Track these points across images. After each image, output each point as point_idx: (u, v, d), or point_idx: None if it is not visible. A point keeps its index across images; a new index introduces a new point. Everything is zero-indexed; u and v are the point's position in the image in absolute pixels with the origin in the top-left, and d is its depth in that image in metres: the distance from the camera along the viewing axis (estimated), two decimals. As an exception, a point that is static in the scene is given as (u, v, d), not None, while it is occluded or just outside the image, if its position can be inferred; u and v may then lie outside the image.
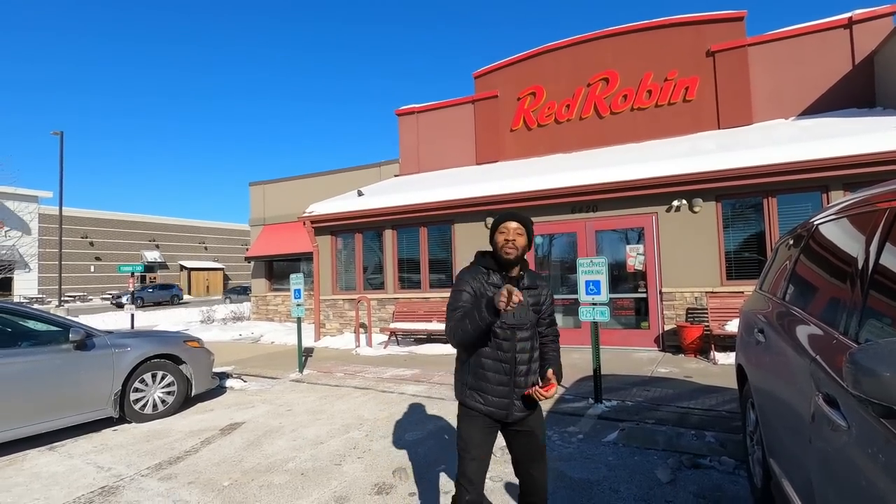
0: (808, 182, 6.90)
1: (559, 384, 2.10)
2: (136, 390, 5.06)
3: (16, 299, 30.44)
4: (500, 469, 3.42)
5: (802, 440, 1.70)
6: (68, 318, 5.50)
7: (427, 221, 9.89)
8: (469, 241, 9.30)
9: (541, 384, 2.02)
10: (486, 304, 1.83)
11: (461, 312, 1.97)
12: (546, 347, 2.20)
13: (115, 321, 17.45)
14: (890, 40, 8.26)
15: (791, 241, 2.83)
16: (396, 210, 9.79)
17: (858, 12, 9.00)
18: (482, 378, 2.05)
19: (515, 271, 2.09)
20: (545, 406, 4.91)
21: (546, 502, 2.15)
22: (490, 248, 2.14)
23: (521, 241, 2.04)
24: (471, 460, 2.04)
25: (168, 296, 34.79)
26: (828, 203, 6.62)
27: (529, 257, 8.81)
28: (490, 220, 9.07)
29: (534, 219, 8.79)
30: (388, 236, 10.34)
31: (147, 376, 5.15)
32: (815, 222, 2.37)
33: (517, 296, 1.71)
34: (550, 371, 2.03)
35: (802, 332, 1.99)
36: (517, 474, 2.19)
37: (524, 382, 2.04)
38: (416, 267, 10.09)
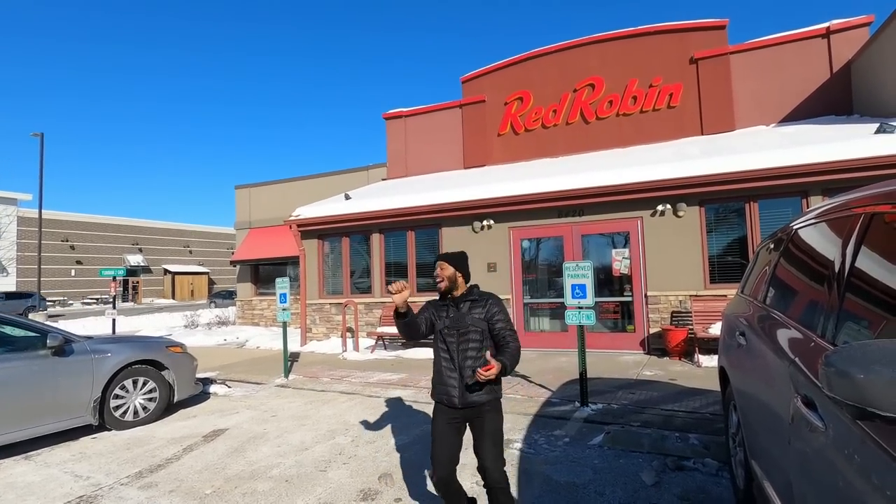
0: (788, 187, 7.03)
1: (508, 373, 2.39)
2: (117, 397, 4.96)
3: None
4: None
5: (782, 442, 1.72)
6: (46, 323, 5.38)
7: (414, 225, 9.88)
8: (456, 245, 9.30)
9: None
10: (395, 311, 2.52)
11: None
12: (501, 346, 2.52)
13: (95, 326, 17.09)
14: (867, 49, 8.48)
15: (771, 245, 2.88)
16: (384, 214, 9.76)
17: (836, 22, 9.23)
18: (439, 373, 2.55)
19: (459, 293, 2.60)
20: (530, 409, 4.92)
21: (500, 484, 2.39)
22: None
23: (447, 272, 2.56)
24: (436, 444, 2.47)
25: (22, 307, 25.65)
26: (807, 208, 6.77)
27: (516, 261, 8.90)
28: (477, 224, 9.12)
29: (521, 223, 8.73)
30: (376, 240, 10.30)
31: (128, 382, 5.05)
32: (795, 227, 2.41)
33: (395, 286, 2.43)
34: (489, 352, 2.40)
35: (782, 335, 2.02)
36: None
37: (469, 374, 2.43)
38: (404, 271, 10.06)
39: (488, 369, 2.24)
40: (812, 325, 1.72)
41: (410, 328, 2.54)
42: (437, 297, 2.69)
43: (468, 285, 2.64)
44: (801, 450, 1.52)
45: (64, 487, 3.57)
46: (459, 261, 2.64)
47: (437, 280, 2.59)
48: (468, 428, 2.52)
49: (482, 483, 2.46)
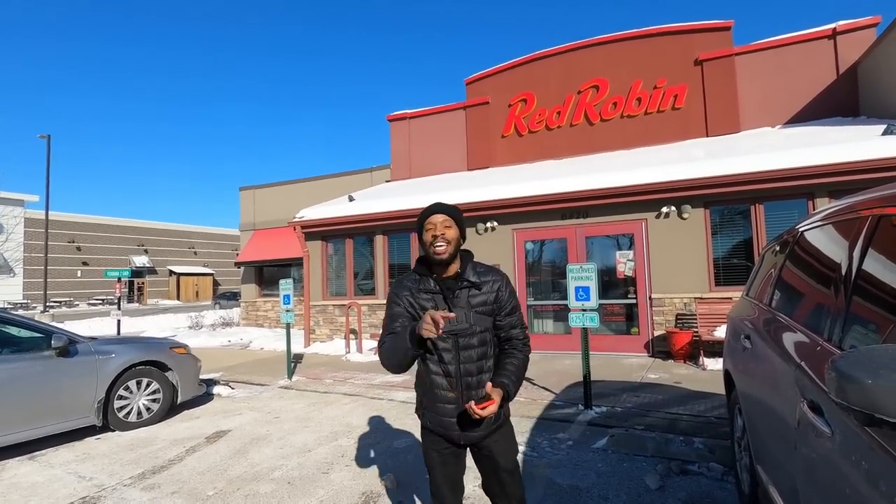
0: (794, 189, 6.98)
1: (512, 398, 1.80)
2: (121, 398, 4.97)
3: (-1, 305, 29.93)
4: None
5: (788, 447, 1.70)
6: (51, 324, 5.40)
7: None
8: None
9: (476, 400, 1.70)
10: (410, 335, 1.65)
11: (390, 339, 1.76)
12: (504, 354, 1.88)
13: (100, 327, 17.18)
14: (873, 51, 8.42)
15: (777, 248, 2.85)
16: (387, 215, 9.77)
17: (842, 23, 9.17)
18: (431, 395, 1.86)
19: (453, 270, 1.84)
20: (533, 412, 4.89)
21: None
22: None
23: (452, 233, 1.80)
24: (435, 477, 1.95)
25: None
26: (813, 210, 6.71)
27: (519, 263, 8.87)
28: (481, 226, 9.08)
29: (525, 225, 8.72)
30: (379, 242, 10.30)
31: (132, 383, 5.07)
32: (801, 229, 2.39)
33: (441, 318, 1.53)
34: (489, 384, 1.72)
35: (788, 339, 2.00)
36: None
37: (476, 397, 1.76)
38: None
39: (486, 405, 1.64)
40: (818, 328, 1.70)
41: (410, 359, 1.74)
42: (413, 274, 1.87)
43: (459, 255, 1.87)
44: (808, 455, 1.50)
45: (67, 488, 3.58)
46: (462, 219, 1.90)
47: (435, 245, 1.78)
48: (469, 454, 1.98)
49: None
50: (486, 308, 1.84)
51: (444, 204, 1.89)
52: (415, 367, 1.93)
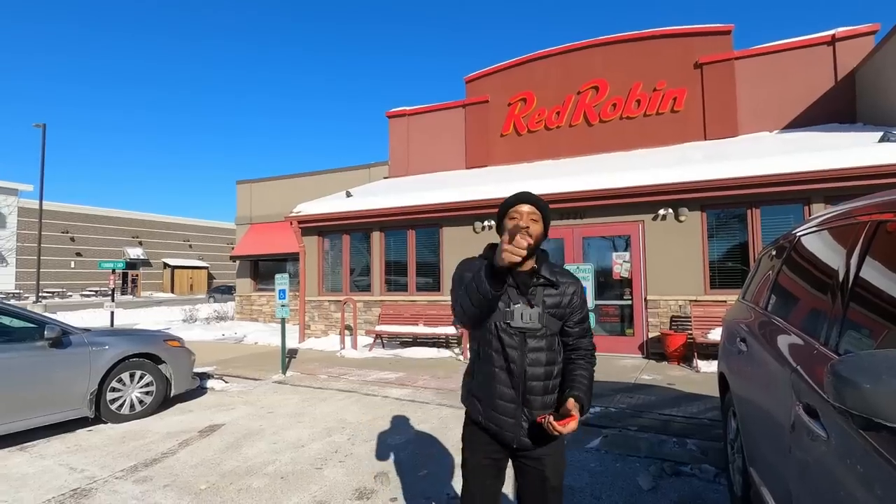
0: (791, 194, 7.02)
1: (584, 414, 1.66)
2: (114, 390, 4.94)
3: (-9, 294, 29.68)
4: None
5: (782, 449, 1.71)
6: (44, 314, 5.36)
7: (415, 224, 9.86)
8: (457, 245, 9.29)
9: (555, 415, 1.62)
10: (486, 271, 1.51)
11: (464, 287, 1.65)
12: (573, 365, 1.77)
13: (93, 318, 17.08)
14: (871, 58, 8.47)
15: (773, 252, 2.86)
16: (385, 212, 9.75)
17: (841, 30, 9.22)
18: (487, 385, 1.72)
19: (528, 265, 1.69)
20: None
21: None
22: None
23: (537, 228, 1.68)
24: (470, 484, 1.79)
25: None
26: (810, 215, 6.75)
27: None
28: (478, 225, 9.08)
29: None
30: (376, 238, 10.28)
31: (125, 376, 5.04)
32: (798, 234, 2.40)
33: (523, 237, 1.41)
34: (571, 401, 1.62)
35: (783, 342, 2.01)
36: None
37: (538, 403, 1.69)
38: (404, 270, 10.04)
39: (567, 422, 1.55)
40: (814, 332, 1.70)
41: (487, 306, 1.61)
42: (486, 264, 1.56)
43: (536, 253, 1.72)
44: (802, 458, 1.51)
45: (58, 480, 3.56)
46: (549, 214, 1.76)
47: (518, 237, 1.45)
48: (510, 464, 1.82)
49: None
50: (558, 311, 1.73)
51: (533, 194, 1.73)
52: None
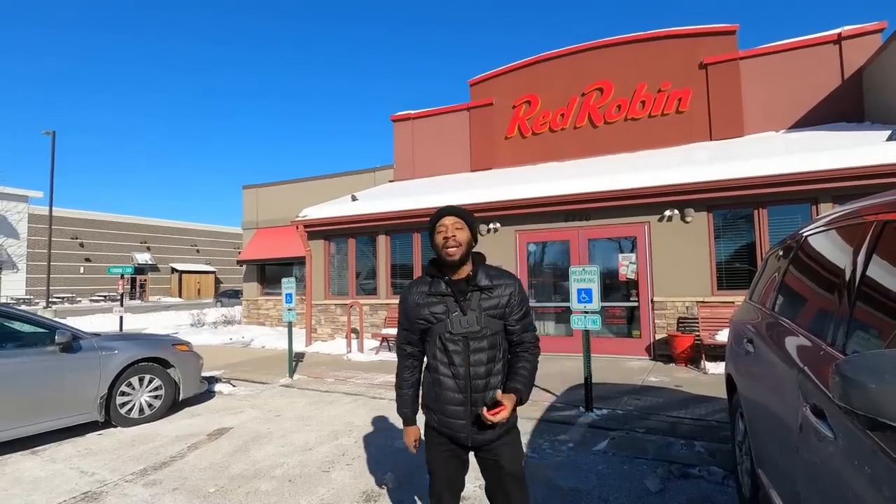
0: (797, 194, 6.97)
1: (524, 402, 1.82)
2: (123, 394, 4.99)
3: (2, 300, 30.03)
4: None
5: (790, 450, 1.71)
6: (55, 319, 5.43)
7: (421, 227, 9.88)
8: (462, 248, 9.28)
9: (488, 406, 1.74)
10: (403, 415, 2.02)
11: (398, 394, 2.04)
12: (517, 358, 1.89)
13: (102, 323, 17.23)
14: (879, 56, 8.41)
15: (780, 252, 2.85)
16: (390, 216, 9.78)
17: (848, 28, 9.16)
18: (436, 393, 1.86)
19: (465, 272, 1.85)
20: (534, 414, 4.89)
21: None
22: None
23: (463, 235, 1.82)
24: (437, 479, 1.96)
25: None
26: (817, 215, 6.71)
27: (522, 264, 8.87)
28: (484, 227, 9.09)
29: (528, 226, 8.71)
30: (382, 242, 10.31)
31: (134, 380, 5.09)
32: (805, 234, 2.39)
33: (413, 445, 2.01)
34: (499, 392, 1.77)
35: (791, 343, 2.00)
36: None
37: (483, 400, 1.79)
38: (410, 273, 10.06)
39: (497, 411, 1.68)
40: (822, 333, 1.70)
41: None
42: (425, 276, 1.91)
43: (471, 258, 1.89)
44: (810, 459, 1.50)
45: (69, 483, 3.59)
46: (473, 221, 1.91)
47: (446, 247, 1.80)
48: (474, 457, 1.97)
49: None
50: (497, 311, 1.84)
51: (454, 206, 1.91)
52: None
